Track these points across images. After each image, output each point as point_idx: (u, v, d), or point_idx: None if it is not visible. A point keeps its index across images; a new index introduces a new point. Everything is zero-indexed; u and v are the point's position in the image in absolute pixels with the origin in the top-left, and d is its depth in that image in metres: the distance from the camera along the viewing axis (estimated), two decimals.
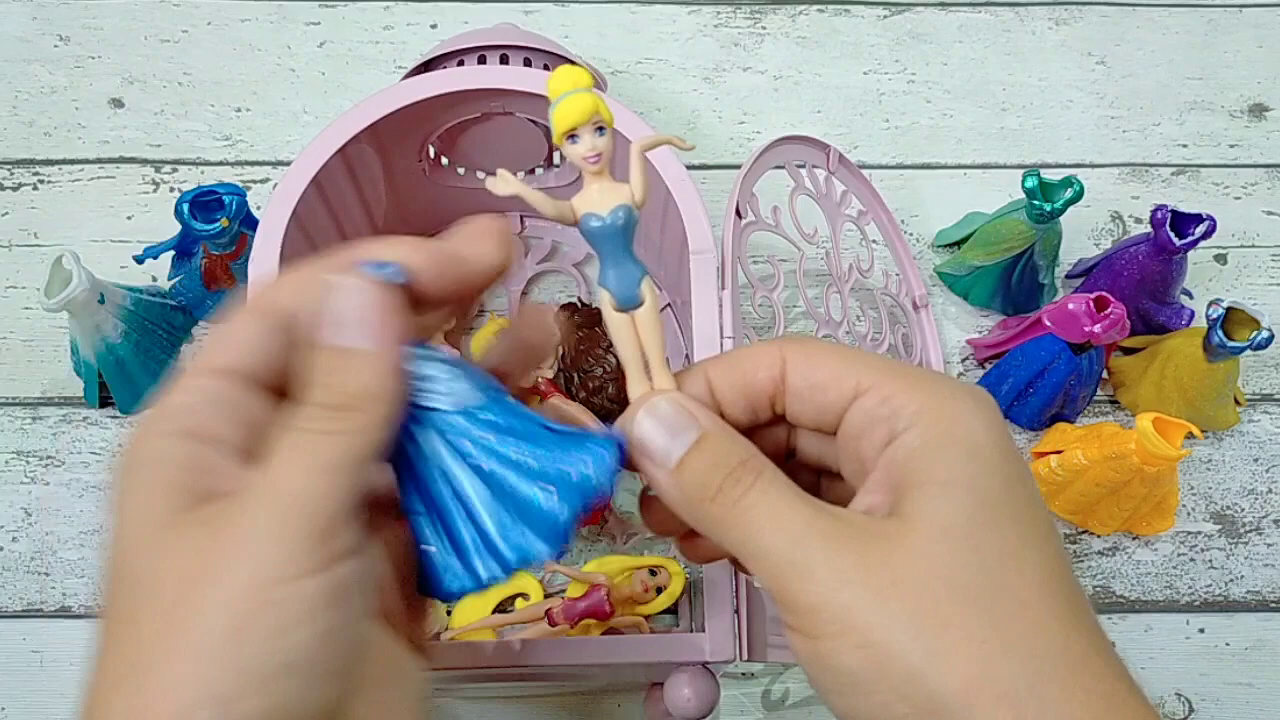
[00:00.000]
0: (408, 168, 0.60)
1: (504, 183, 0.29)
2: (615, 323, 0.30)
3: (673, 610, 0.58)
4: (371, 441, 0.26)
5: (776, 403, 0.30)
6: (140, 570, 0.24)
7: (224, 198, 0.59)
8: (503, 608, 0.58)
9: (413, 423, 0.28)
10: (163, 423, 0.26)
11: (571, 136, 0.29)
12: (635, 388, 0.30)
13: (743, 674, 0.59)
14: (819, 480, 0.33)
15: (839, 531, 0.26)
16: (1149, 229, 0.63)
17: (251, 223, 0.61)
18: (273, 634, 0.23)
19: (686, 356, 0.58)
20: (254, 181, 0.70)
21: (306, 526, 0.24)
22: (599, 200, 0.29)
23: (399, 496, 0.29)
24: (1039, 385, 0.62)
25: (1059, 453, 0.60)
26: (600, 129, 0.29)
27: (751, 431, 0.30)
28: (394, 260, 0.27)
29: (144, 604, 0.24)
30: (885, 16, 0.78)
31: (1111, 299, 0.58)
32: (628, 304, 0.30)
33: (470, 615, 0.57)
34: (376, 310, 0.26)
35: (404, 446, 0.28)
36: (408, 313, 0.27)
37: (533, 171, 0.64)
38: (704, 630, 0.45)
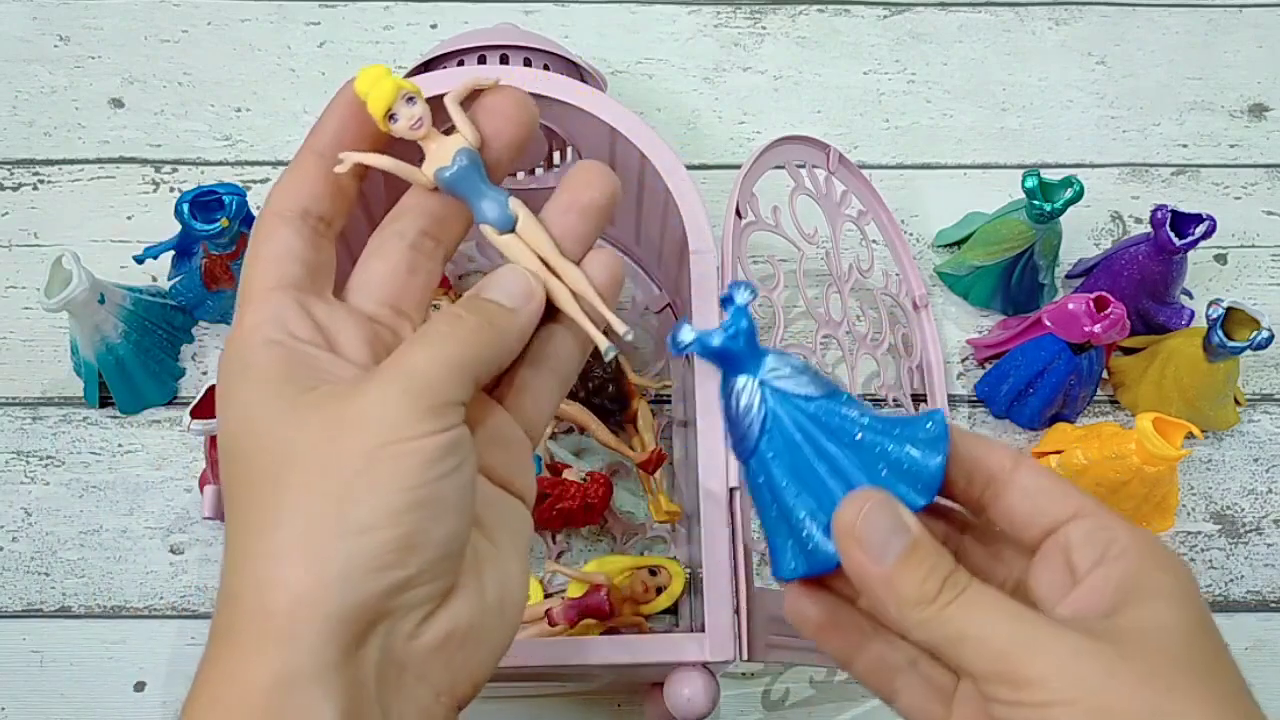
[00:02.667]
0: None
1: (353, 158, 0.33)
2: (507, 245, 0.33)
3: (673, 610, 0.58)
4: (490, 360, 0.31)
5: (988, 492, 0.32)
6: (273, 441, 0.29)
7: (224, 198, 0.59)
8: None
9: (785, 412, 0.32)
10: (253, 333, 0.30)
11: (392, 117, 0.32)
12: (563, 300, 0.33)
13: (743, 674, 0.59)
14: None
15: (1057, 621, 0.29)
16: (1149, 229, 0.63)
17: (251, 223, 0.61)
18: (401, 476, 0.28)
19: (686, 357, 0.57)
20: (254, 181, 0.70)
21: (427, 401, 0.29)
22: (440, 155, 0.33)
23: (760, 486, 0.32)
24: (1039, 385, 0.62)
25: (1059, 453, 0.60)
26: (410, 99, 0.32)
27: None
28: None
29: (282, 465, 0.28)
30: (885, 16, 0.78)
31: (1111, 299, 0.58)
32: (507, 225, 0.33)
33: None
34: (526, 286, 0.32)
35: (779, 434, 0.32)
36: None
37: (533, 172, 0.63)
38: (704, 630, 0.45)
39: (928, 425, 0.32)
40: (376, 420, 0.28)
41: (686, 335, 0.31)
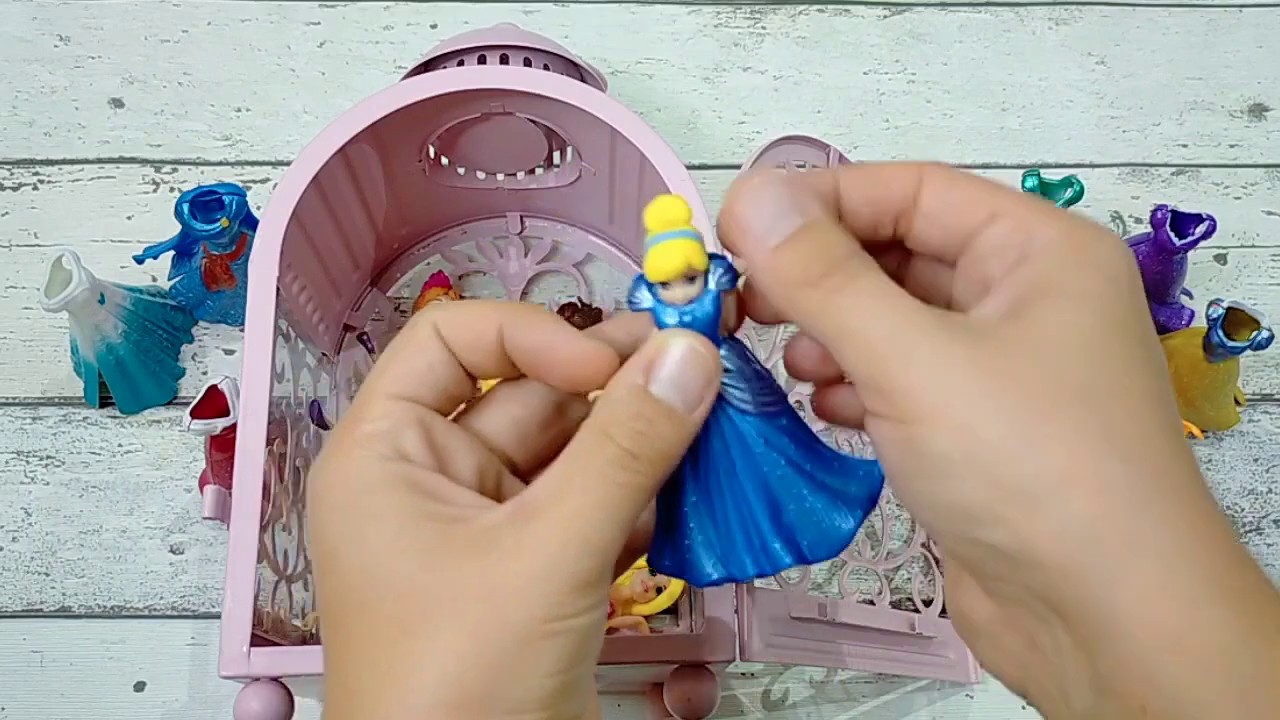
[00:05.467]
0: (408, 168, 0.60)
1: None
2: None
3: (673, 610, 0.58)
4: (650, 497, 0.28)
5: (902, 222, 0.29)
6: (411, 587, 0.26)
7: (224, 198, 0.59)
8: None
9: (710, 415, 0.29)
10: (368, 444, 0.27)
11: (664, 284, 0.28)
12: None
13: (743, 674, 0.59)
14: None
15: (946, 323, 0.26)
16: (1149, 229, 0.63)
17: (251, 223, 0.61)
18: (556, 659, 0.25)
19: None
20: (254, 181, 0.70)
21: (594, 570, 0.26)
22: (680, 294, 0.29)
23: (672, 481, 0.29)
24: None
25: None
26: (692, 279, 0.28)
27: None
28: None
29: (420, 616, 0.25)
30: (885, 16, 0.78)
31: None
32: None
33: None
34: (706, 379, 0.28)
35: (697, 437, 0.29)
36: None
37: (532, 172, 0.64)
38: (704, 630, 0.45)
39: (860, 473, 0.30)
40: (537, 590, 0.25)
41: (643, 300, 0.29)
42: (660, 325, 0.29)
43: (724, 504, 0.29)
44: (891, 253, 0.30)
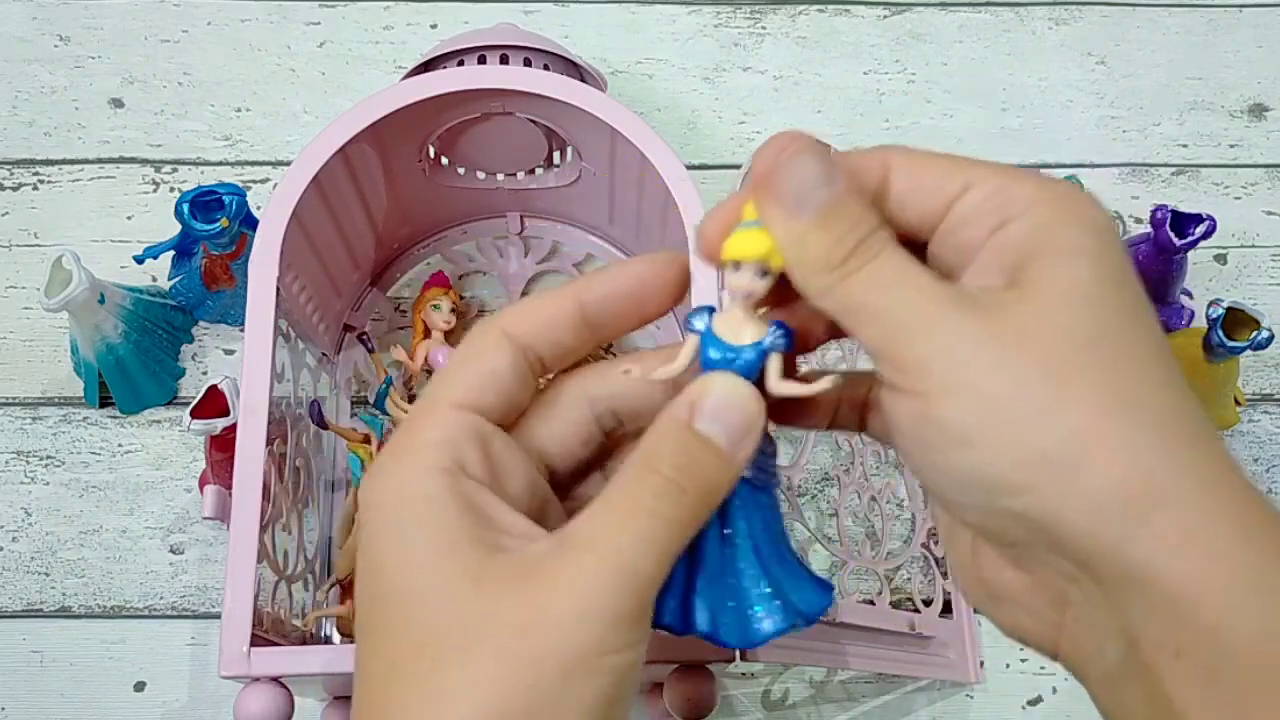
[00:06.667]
0: (408, 168, 0.60)
1: (661, 374, 0.30)
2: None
3: None
4: (691, 533, 0.27)
5: (877, 208, 0.28)
6: (452, 610, 0.25)
7: (224, 198, 0.59)
8: None
9: None
10: (423, 455, 0.27)
11: (735, 265, 0.28)
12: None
13: (743, 674, 0.59)
14: None
15: (960, 297, 0.26)
16: (1149, 229, 0.63)
17: (251, 223, 0.61)
18: (594, 696, 0.25)
19: None
20: (254, 181, 0.70)
21: (636, 604, 0.26)
22: (735, 329, 0.29)
23: None
24: None
25: None
26: (765, 273, 0.28)
27: None
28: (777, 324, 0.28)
29: (460, 641, 0.25)
30: (885, 16, 0.78)
31: None
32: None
33: None
34: (749, 422, 0.28)
35: None
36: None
37: (532, 172, 0.64)
38: None
39: (810, 588, 0.29)
40: (578, 624, 0.25)
41: (698, 324, 0.29)
42: (704, 357, 0.29)
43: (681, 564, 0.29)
44: None
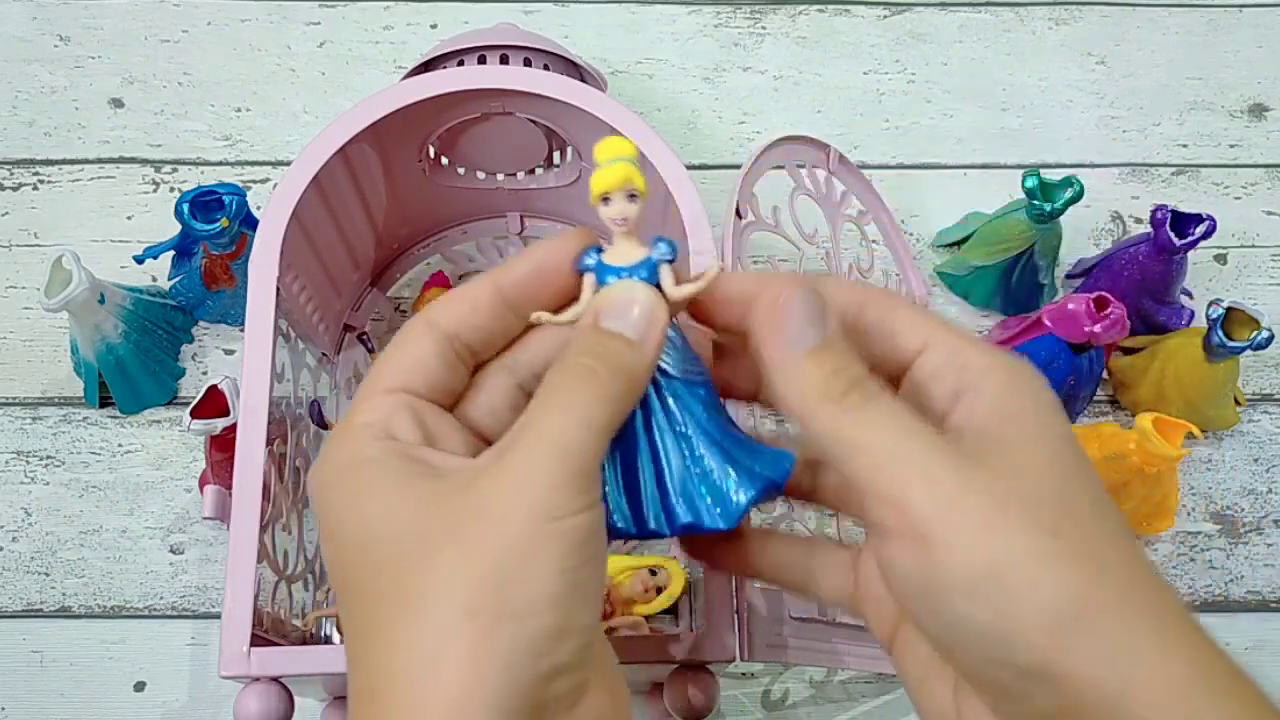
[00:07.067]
0: (408, 168, 0.60)
1: (546, 319, 0.32)
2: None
3: (673, 610, 0.58)
4: (625, 413, 0.30)
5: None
6: (408, 531, 0.27)
7: (224, 198, 0.59)
8: None
9: None
10: (362, 431, 0.29)
11: (605, 199, 0.31)
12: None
13: (743, 674, 0.59)
14: None
15: (955, 448, 0.28)
16: (1149, 229, 0.63)
17: (251, 223, 0.61)
18: (560, 557, 0.27)
19: None
20: (254, 181, 0.70)
21: (577, 475, 0.27)
22: (624, 254, 0.32)
23: None
24: None
25: None
26: (632, 196, 0.31)
27: None
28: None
29: (423, 554, 0.27)
30: (885, 16, 0.78)
31: (1111, 299, 0.58)
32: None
33: None
34: (648, 311, 0.31)
35: None
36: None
37: (532, 172, 0.64)
38: (704, 630, 0.45)
39: (768, 457, 0.31)
40: (530, 497, 0.27)
41: (589, 260, 0.32)
42: (601, 284, 0.31)
43: (634, 459, 0.31)
44: None
